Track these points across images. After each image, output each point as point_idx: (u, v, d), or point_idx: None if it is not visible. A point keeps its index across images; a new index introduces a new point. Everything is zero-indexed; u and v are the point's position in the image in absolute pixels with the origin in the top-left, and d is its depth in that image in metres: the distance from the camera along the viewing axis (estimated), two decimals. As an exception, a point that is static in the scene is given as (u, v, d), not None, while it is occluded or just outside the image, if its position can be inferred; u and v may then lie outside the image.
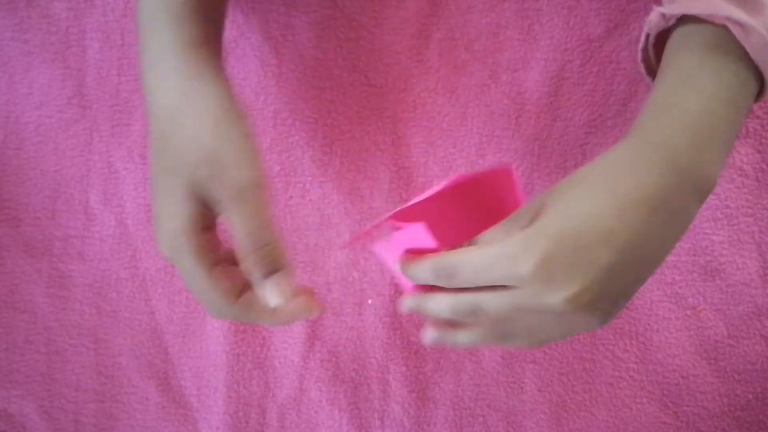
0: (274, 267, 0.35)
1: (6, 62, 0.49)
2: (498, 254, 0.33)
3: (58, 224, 0.50)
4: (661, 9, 0.37)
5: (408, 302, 0.37)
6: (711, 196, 0.48)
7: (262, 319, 0.37)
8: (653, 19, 0.38)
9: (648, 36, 0.40)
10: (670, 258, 0.49)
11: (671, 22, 0.37)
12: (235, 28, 0.48)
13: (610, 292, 0.33)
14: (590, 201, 0.34)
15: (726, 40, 0.35)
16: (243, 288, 0.38)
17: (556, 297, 0.32)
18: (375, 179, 0.49)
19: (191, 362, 0.51)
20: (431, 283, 0.36)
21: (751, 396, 0.50)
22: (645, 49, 0.40)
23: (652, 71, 0.41)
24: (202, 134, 0.35)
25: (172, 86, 0.36)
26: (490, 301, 0.34)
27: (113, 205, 0.50)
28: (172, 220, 0.35)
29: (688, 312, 0.49)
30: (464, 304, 0.35)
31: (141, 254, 0.50)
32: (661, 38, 0.39)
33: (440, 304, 0.36)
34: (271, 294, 0.35)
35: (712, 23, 0.35)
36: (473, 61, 0.48)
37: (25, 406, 0.51)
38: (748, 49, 0.34)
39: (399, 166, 0.49)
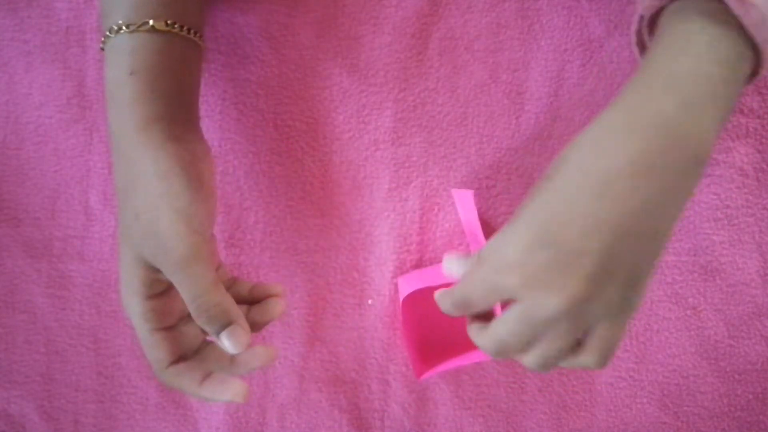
0: (224, 322, 0.37)
1: (6, 62, 0.49)
2: (487, 275, 0.33)
3: (58, 224, 0.50)
4: None
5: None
6: (711, 196, 0.48)
7: (191, 389, 0.39)
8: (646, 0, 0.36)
9: (642, 18, 0.38)
10: (670, 258, 0.49)
11: (665, 1, 0.35)
12: (235, 28, 0.48)
13: (613, 279, 0.32)
14: (564, 188, 0.32)
15: (723, 14, 0.33)
16: (197, 350, 0.40)
17: (553, 301, 0.31)
18: (375, 179, 0.49)
19: (191, 362, 0.51)
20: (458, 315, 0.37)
21: (751, 396, 0.50)
22: (639, 32, 0.39)
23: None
24: (141, 213, 0.37)
25: (123, 167, 0.38)
26: (500, 327, 0.34)
27: (113, 205, 0.50)
28: (126, 284, 0.38)
29: (688, 312, 0.49)
30: (491, 336, 0.35)
31: (141, 254, 0.50)
32: (656, 21, 0.37)
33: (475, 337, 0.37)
34: (227, 344, 0.37)
35: None
36: (473, 61, 0.48)
37: (25, 406, 0.51)
38: (746, 24, 0.32)
39: (399, 166, 0.49)
